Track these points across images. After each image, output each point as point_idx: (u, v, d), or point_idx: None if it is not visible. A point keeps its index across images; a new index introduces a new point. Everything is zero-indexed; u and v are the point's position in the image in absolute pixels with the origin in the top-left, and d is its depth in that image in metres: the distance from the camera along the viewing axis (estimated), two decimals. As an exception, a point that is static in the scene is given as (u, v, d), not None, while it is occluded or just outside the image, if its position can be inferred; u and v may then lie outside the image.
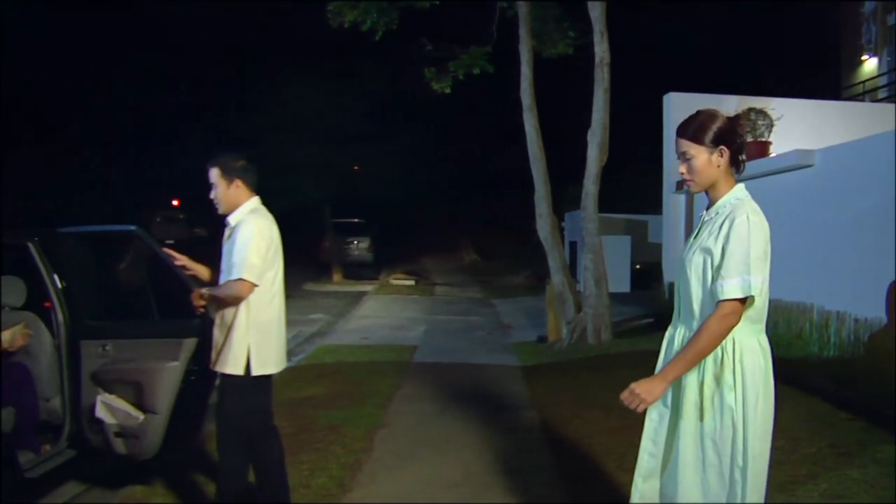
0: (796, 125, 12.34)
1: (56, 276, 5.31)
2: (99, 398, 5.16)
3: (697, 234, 3.25)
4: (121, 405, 5.13)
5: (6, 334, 5.19)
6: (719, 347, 3.08)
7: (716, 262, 3.08)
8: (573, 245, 19.85)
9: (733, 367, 3.08)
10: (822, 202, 9.29)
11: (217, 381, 4.69)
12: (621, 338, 11.66)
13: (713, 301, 3.08)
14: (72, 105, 31.83)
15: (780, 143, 11.71)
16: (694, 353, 3.04)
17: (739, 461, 3.08)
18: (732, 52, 27.54)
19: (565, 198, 19.72)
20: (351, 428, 7.07)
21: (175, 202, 38.90)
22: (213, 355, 4.61)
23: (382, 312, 17.30)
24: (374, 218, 30.21)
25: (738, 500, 3.10)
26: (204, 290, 4.52)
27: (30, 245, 5.29)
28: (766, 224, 3.11)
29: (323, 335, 13.75)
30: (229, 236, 4.64)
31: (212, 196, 4.69)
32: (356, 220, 29.12)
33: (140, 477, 5.73)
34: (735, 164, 3.22)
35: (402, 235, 35.73)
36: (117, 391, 5.16)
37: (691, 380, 3.15)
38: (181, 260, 4.91)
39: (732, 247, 3.03)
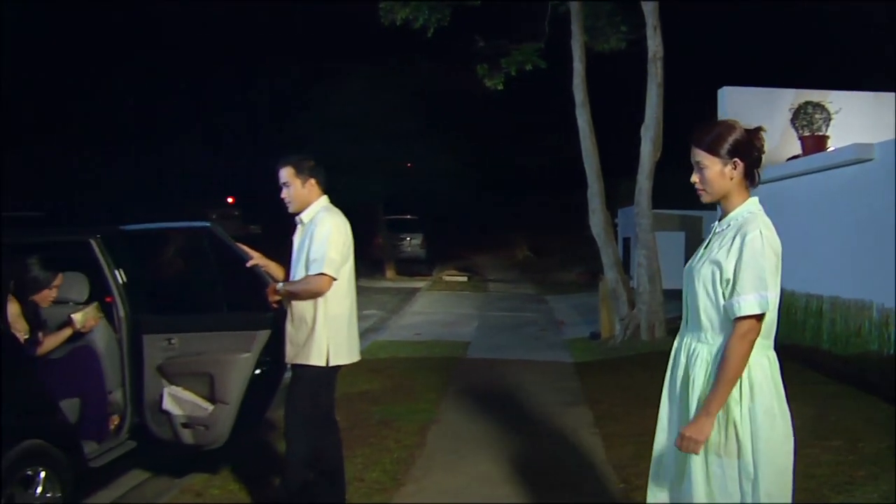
0: (855, 118, 12.09)
1: (118, 272, 5.45)
2: (166, 390, 5.33)
3: (708, 244, 3.22)
4: (188, 397, 5.31)
5: (78, 316, 5.36)
6: (714, 358, 3.09)
7: (726, 276, 3.04)
8: (626, 241, 19.70)
9: (740, 383, 3.05)
10: (881, 197, 9.09)
11: (289, 374, 4.80)
12: (675, 335, 11.56)
13: (720, 313, 3.07)
14: (134, 105, 32.43)
15: (839, 137, 11.50)
16: (727, 379, 3.00)
17: (751, 474, 3.04)
18: (788, 44, 27.01)
19: (619, 194, 19.56)
20: (404, 423, 7.13)
21: (230, 200, 39.31)
22: (290, 349, 4.70)
23: (435, 309, 17.36)
24: (427, 214, 30.26)
25: None
26: (280, 286, 4.63)
27: (92, 242, 5.43)
28: (777, 239, 3.07)
29: (376, 331, 13.85)
30: (302, 233, 4.75)
31: (283, 195, 4.78)
32: (409, 216, 29.20)
33: (201, 466, 5.87)
34: (750, 178, 3.16)
35: (455, 232, 35.73)
36: (185, 383, 5.32)
37: (698, 396, 3.14)
38: (255, 257, 5.06)
39: (747, 262, 2.99)
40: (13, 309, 5.15)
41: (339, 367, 4.71)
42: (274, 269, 5.07)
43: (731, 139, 3.11)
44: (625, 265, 14.49)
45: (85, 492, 5.30)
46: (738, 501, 3.07)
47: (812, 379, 8.01)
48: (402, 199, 27.56)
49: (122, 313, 5.44)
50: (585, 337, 12.82)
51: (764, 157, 3.20)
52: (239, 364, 5.27)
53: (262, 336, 5.24)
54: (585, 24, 12.79)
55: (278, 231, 6.80)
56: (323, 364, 4.62)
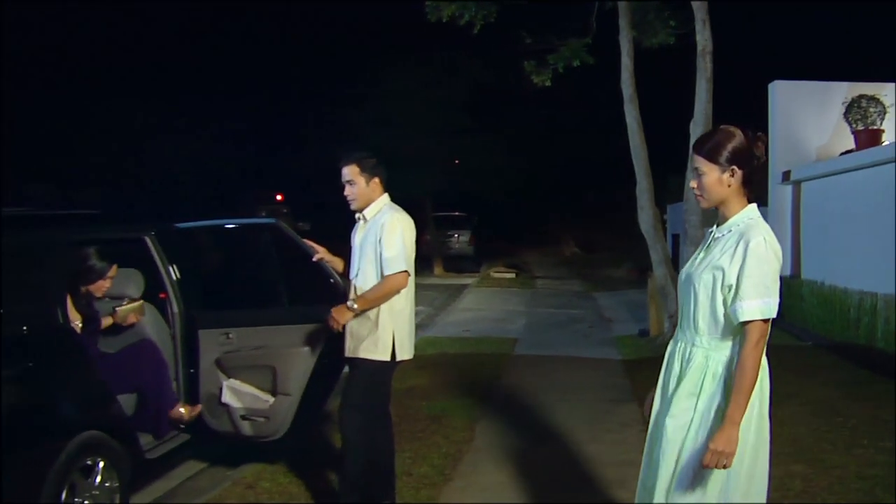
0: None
1: (172, 268, 5.57)
2: (225, 384, 5.47)
3: (707, 249, 3.23)
4: (248, 389, 5.45)
5: (122, 310, 5.54)
6: (709, 363, 3.13)
7: (728, 282, 3.06)
8: (676, 238, 19.52)
9: (724, 384, 3.09)
10: (938, 192, 8.95)
11: (350, 367, 4.89)
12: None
13: (718, 319, 3.10)
14: (186, 100, 32.89)
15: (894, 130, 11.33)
16: (746, 388, 3.01)
17: (727, 474, 3.09)
18: (841, 36, 26.58)
19: (668, 190, 19.40)
20: (452, 418, 7.18)
21: (279, 197, 39.70)
22: (351, 342, 4.78)
23: (483, 305, 17.39)
24: (475, 211, 30.28)
25: None
26: (352, 304, 4.67)
27: (147, 239, 5.55)
28: (778, 246, 3.09)
29: (425, 327, 13.91)
30: (364, 230, 4.83)
31: (347, 193, 4.86)
32: (457, 213, 29.24)
33: (254, 458, 5.98)
34: (748, 185, 3.18)
35: (503, 228, 35.73)
36: (244, 376, 5.45)
37: (696, 400, 3.15)
38: (320, 251, 5.15)
39: (751, 269, 3.01)
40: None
41: (399, 362, 4.79)
42: (337, 263, 5.21)
43: (729, 147, 3.13)
44: (674, 262, 14.38)
45: (141, 482, 5.44)
46: (715, 502, 3.09)
47: (866, 378, 7.91)
48: (451, 195, 27.60)
49: (175, 309, 5.58)
50: (634, 334, 12.75)
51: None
52: (301, 357, 5.42)
53: (325, 329, 5.34)
54: (633, 20, 12.70)
55: (327, 228, 6.89)
56: (387, 359, 4.71)
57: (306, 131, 36.09)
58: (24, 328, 4.45)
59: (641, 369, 9.47)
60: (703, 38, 11.38)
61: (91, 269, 5.39)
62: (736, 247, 3.06)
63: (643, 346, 11.57)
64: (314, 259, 5.20)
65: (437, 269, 25.72)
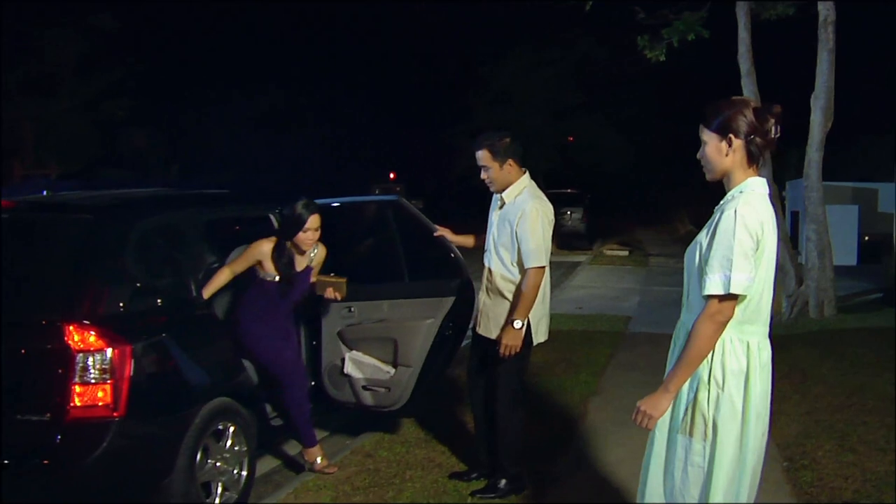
0: None
1: None
2: (347, 355, 5.70)
3: (706, 226, 3.14)
4: (370, 360, 5.66)
5: (323, 278, 5.50)
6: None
7: (705, 256, 2.99)
8: (794, 215, 18.99)
9: (711, 368, 3.01)
10: None
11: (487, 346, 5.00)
12: (847, 313, 11.17)
13: (700, 295, 3.01)
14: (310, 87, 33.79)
15: None
16: (689, 358, 2.96)
17: (710, 461, 3.03)
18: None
19: (786, 166, 18.90)
20: (566, 395, 7.26)
21: (392, 175, 40.23)
22: (487, 322, 4.95)
23: (596, 283, 17.32)
24: (587, 188, 30.07)
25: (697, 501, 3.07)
26: (517, 323, 4.72)
27: (271, 217, 5.79)
28: (756, 219, 2.94)
29: (537, 305, 13.96)
30: (502, 214, 4.93)
31: (483, 177, 4.94)
32: (569, 190, 29.08)
33: (375, 426, 6.24)
34: (753, 159, 3.05)
35: (616, 206, 35.37)
36: (366, 348, 5.67)
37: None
38: (442, 231, 5.38)
39: (718, 241, 2.93)
40: (265, 247, 5.24)
41: (536, 345, 4.97)
42: (463, 239, 5.38)
43: (729, 116, 3.02)
44: (793, 240, 14.05)
45: (267, 447, 5.74)
46: (700, 485, 3.06)
47: None
48: (563, 172, 27.48)
49: None
50: (750, 313, 12.51)
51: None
52: (423, 329, 5.59)
53: (447, 303, 5.54)
54: (751, -9, 12.40)
55: (440, 205, 7.01)
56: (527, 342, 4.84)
57: (422, 111, 36.48)
58: (158, 301, 4.73)
59: (758, 348, 9.31)
60: (825, 7, 11.06)
61: (298, 218, 5.21)
62: (713, 221, 3.03)
63: (760, 325, 11.32)
64: (435, 235, 5.37)
65: (550, 247, 25.66)
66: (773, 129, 3.03)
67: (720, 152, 3.06)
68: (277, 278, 5.25)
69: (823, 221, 11.39)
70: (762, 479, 3.22)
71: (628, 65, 19.86)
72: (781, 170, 14.66)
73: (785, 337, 10.07)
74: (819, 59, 11.18)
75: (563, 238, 27.11)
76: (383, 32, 37.29)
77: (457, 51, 30.76)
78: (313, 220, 5.23)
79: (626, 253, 24.06)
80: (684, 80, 29.00)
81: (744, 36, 12.13)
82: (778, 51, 18.80)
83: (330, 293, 5.46)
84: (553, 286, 17.35)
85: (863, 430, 5.96)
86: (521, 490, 5.02)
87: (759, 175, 3.10)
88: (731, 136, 3.02)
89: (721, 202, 3.10)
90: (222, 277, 5.19)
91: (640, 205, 38.18)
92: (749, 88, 12.08)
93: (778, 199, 12.70)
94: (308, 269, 5.44)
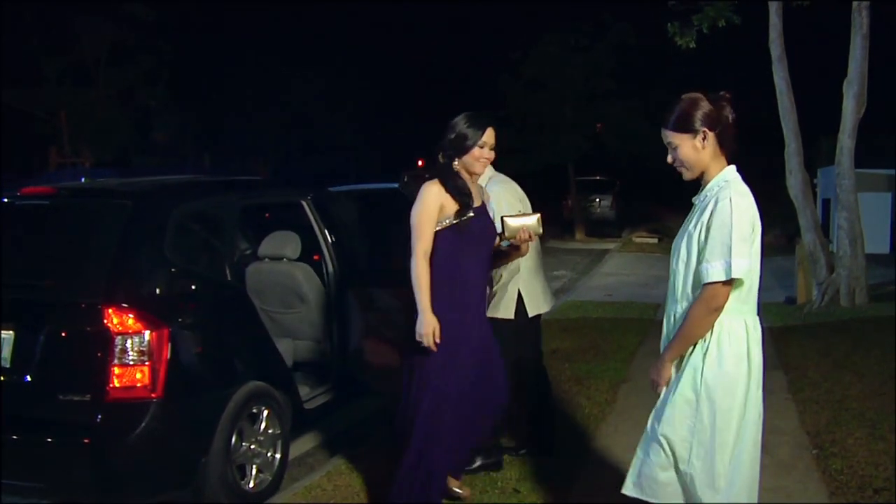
0: None
1: (326, 231, 5.88)
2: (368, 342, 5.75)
3: (689, 218, 3.26)
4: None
5: (514, 222, 4.31)
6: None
7: (701, 246, 3.09)
8: (826, 203, 18.80)
9: (707, 348, 3.12)
10: None
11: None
12: (878, 301, 11.09)
13: (696, 284, 3.12)
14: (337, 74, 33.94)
15: None
16: (683, 336, 3.12)
17: (706, 442, 3.13)
18: None
19: (819, 153, 18.70)
20: (595, 381, 7.30)
21: (420, 162, 40.22)
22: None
23: (626, 270, 17.31)
24: (617, 176, 29.93)
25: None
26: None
27: (303, 203, 5.87)
28: (751, 205, 3.10)
29: (567, 291, 14.02)
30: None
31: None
32: (599, 177, 28.97)
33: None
34: (724, 146, 3.19)
35: (645, 193, 35.14)
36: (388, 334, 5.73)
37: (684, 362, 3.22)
38: None
39: (715, 230, 3.04)
40: (434, 187, 4.22)
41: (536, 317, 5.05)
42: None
43: (695, 113, 3.16)
44: (824, 228, 13.95)
45: (299, 431, 5.81)
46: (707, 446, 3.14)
47: None
48: (593, 160, 27.36)
49: (330, 269, 5.89)
50: (781, 301, 12.46)
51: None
52: None
53: None
54: (783, -24, 12.28)
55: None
56: (511, 317, 4.95)
57: (452, 99, 36.50)
58: (195, 285, 4.81)
59: (788, 337, 9.31)
60: (860, -10, 10.94)
61: (463, 137, 4.24)
62: (706, 210, 3.11)
63: (790, 313, 11.30)
64: None
65: (579, 234, 25.64)
66: (730, 114, 3.19)
67: (696, 150, 3.20)
68: (452, 220, 4.21)
69: (855, 209, 11.30)
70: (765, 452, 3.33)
71: (658, 52, 19.77)
72: (813, 157, 14.52)
73: (816, 325, 10.04)
74: (852, 45, 11.07)
75: (592, 225, 27.07)
76: (416, 17, 37.44)
77: (489, 38, 30.81)
78: (489, 134, 4.29)
79: (655, 240, 23.93)
80: (715, 67, 28.83)
81: (775, 22, 12.02)
82: (810, 36, 18.60)
83: (524, 234, 4.31)
84: (582, 273, 17.45)
85: (894, 418, 5.95)
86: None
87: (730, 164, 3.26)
88: (704, 130, 3.17)
89: (701, 194, 3.25)
90: (424, 268, 4.19)
91: (669, 192, 37.84)
92: (780, 75, 11.99)
93: (810, 186, 12.59)
94: (485, 207, 4.44)
